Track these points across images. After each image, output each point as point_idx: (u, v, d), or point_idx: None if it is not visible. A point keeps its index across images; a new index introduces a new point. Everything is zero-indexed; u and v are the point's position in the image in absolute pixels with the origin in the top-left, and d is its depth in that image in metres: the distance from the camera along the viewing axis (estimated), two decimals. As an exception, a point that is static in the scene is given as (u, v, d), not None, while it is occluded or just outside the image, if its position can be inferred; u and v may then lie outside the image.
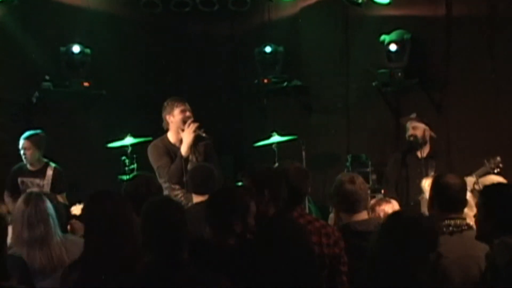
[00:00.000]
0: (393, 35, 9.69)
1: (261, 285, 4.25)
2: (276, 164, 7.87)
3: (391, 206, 6.37)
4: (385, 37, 9.71)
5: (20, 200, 5.04)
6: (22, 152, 8.26)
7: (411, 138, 8.22)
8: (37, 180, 8.20)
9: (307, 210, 7.40)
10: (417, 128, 8.26)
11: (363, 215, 5.26)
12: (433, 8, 9.73)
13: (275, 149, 9.41)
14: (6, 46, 9.79)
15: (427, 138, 8.28)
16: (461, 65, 9.55)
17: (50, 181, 8.20)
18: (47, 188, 8.04)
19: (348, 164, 9.39)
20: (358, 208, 5.22)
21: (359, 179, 5.30)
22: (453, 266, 4.52)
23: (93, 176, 10.02)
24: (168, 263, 3.78)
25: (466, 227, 4.77)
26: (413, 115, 8.38)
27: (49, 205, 5.01)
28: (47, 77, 9.86)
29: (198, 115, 10.87)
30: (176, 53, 11.19)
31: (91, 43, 10.13)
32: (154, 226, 3.88)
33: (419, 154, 8.14)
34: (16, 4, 9.64)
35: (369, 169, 9.21)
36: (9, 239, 4.36)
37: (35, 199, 5.00)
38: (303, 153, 9.28)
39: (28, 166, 8.32)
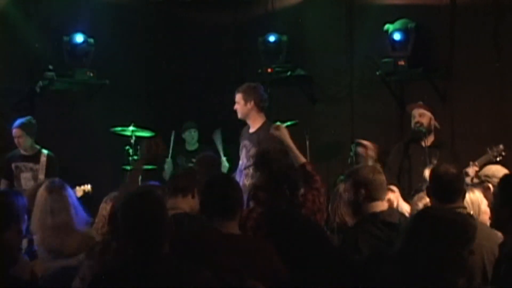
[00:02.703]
0: (397, 24, 9.66)
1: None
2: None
3: (396, 196, 6.38)
4: (389, 26, 9.67)
5: (43, 188, 5.18)
6: (16, 140, 8.48)
7: (417, 125, 8.19)
8: (31, 164, 8.41)
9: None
10: (423, 116, 8.24)
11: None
12: (438, -4, 9.72)
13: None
14: (10, 36, 9.82)
15: (432, 127, 8.27)
16: (465, 54, 9.51)
17: (44, 167, 8.37)
18: (41, 174, 8.30)
19: (352, 153, 9.36)
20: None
21: None
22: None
23: (96, 165, 10.03)
24: (147, 257, 3.72)
25: (465, 217, 4.74)
26: (420, 103, 8.37)
27: (71, 193, 5.20)
28: (50, 67, 9.86)
29: (201, 105, 10.95)
30: (179, 43, 11.21)
31: (94, 32, 10.14)
32: (133, 219, 3.80)
33: (423, 143, 8.11)
34: (19, -7, 9.68)
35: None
36: None
37: (58, 187, 5.16)
38: (307, 142, 9.26)
39: (22, 151, 8.50)
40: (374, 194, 4.83)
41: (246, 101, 7.79)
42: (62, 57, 10.01)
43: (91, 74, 10.09)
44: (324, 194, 5.68)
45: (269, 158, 5.49)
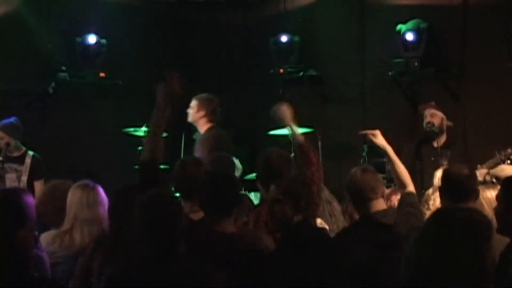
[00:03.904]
0: (410, 24, 9.66)
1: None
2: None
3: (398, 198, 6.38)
4: (401, 27, 9.68)
5: (75, 187, 5.37)
6: None
7: (429, 125, 8.18)
8: (15, 166, 8.30)
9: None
10: (435, 116, 8.23)
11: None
12: (450, -3, 9.71)
13: (291, 139, 9.38)
14: (23, 37, 9.85)
15: (444, 127, 8.25)
16: (477, 54, 9.50)
17: (28, 168, 8.28)
18: (24, 175, 8.23)
19: (364, 154, 9.36)
20: None
21: None
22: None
23: (108, 166, 10.05)
24: (164, 258, 3.74)
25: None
26: (432, 103, 8.35)
27: (102, 193, 5.38)
28: (63, 68, 9.94)
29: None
30: (190, 43, 11.22)
31: (106, 33, 10.18)
32: (150, 220, 3.83)
33: (435, 143, 8.10)
34: (32, -6, 9.73)
35: (385, 159, 9.15)
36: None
37: (92, 186, 5.39)
38: (319, 143, 9.27)
39: (7, 153, 8.34)
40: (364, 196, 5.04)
41: (199, 109, 8.23)
42: (75, 58, 10.06)
43: (104, 75, 10.13)
44: (317, 181, 5.58)
45: (277, 171, 5.51)
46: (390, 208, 5.40)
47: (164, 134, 7.96)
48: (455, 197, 4.84)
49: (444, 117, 8.25)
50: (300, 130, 6.09)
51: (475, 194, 4.96)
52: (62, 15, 10.09)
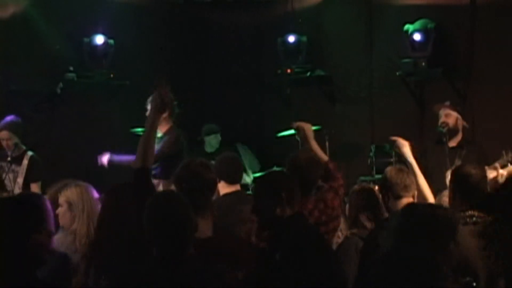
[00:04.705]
0: (417, 25, 9.69)
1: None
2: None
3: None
4: (409, 27, 9.70)
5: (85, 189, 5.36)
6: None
7: (443, 125, 8.13)
8: (13, 166, 8.08)
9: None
10: (450, 116, 8.15)
11: None
12: (458, -3, 9.72)
13: (299, 139, 9.39)
14: (31, 38, 9.87)
15: (460, 127, 8.18)
16: (485, 54, 9.53)
17: (25, 169, 8.11)
18: (21, 176, 8.06)
19: (371, 154, 9.37)
20: None
21: None
22: (477, 257, 4.37)
23: (116, 166, 10.06)
24: (174, 258, 3.74)
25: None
26: (447, 103, 8.30)
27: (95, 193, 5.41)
28: (71, 68, 9.95)
29: (221, 106, 10.98)
30: (199, 44, 11.24)
31: (114, 34, 10.20)
32: (159, 221, 3.82)
33: (449, 143, 8.07)
34: (40, -5, 9.75)
35: (392, 159, 9.18)
36: None
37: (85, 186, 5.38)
38: (327, 143, 9.28)
39: (8, 152, 8.17)
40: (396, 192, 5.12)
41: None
42: (83, 58, 10.09)
43: (111, 75, 10.17)
44: (341, 196, 5.69)
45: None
46: None
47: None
48: (469, 198, 4.86)
49: (459, 117, 8.18)
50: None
51: (486, 195, 4.96)
52: (69, 16, 10.09)
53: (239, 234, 5.45)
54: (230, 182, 6.18)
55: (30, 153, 8.25)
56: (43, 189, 7.93)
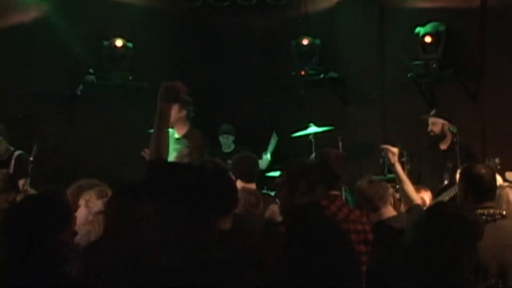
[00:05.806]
0: (428, 27, 9.78)
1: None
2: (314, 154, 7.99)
3: (428, 194, 6.63)
4: (420, 29, 9.80)
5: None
6: None
7: (431, 133, 8.51)
8: (4, 170, 7.47)
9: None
10: (435, 124, 8.50)
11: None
12: (468, -1, 9.82)
13: (312, 139, 9.54)
14: (51, 41, 10.00)
15: (446, 132, 8.43)
16: (496, 56, 9.61)
17: (12, 168, 7.86)
18: None
19: (383, 154, 9.45)
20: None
21: None
22: (488, 255, 4.42)
23: (134, 167, 10.12)
24: (194, 261, 3.73)
25: (499, 216, 4.77)
26: (433, 112, 8.59)
27: None
28: (90, 71, 10.11)
29: (236, 108, 11.08)
30: (214, 46, 11.34)
31: (133, 37, 10.36)
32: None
33: (441, 146, 8.40)
34: (61, -1, 9.87)
35: (404, 159, 9.30)
36: None
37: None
38: (340, 144, 9.38)
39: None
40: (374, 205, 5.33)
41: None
42: (102, 61, 10.24)
43: (130, 77, 10.31)
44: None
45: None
46: (400, 214, 5.57)
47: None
48: (481, 196, 4.90)
49: (445, 123, 8.40)
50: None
51: (495, 194, 5.05)
52: (90, 19, 10.24)
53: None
54: (246, 180, 6.38)
55: (17, 152, 8.04)
56: (33, 187, 7.72)
